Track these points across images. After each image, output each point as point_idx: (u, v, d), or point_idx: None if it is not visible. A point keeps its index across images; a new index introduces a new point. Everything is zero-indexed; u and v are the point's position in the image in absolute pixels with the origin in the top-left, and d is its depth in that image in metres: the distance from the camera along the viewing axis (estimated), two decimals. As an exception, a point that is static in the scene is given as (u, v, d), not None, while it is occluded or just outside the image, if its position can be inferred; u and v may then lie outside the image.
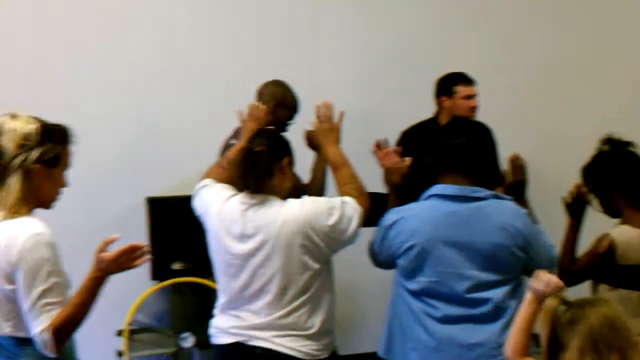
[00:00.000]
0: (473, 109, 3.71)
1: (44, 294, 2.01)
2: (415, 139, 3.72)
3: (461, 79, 3.75)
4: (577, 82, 4.68)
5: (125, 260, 2.06)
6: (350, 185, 2.55)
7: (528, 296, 2.10)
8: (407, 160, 2.75)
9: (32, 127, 2.08)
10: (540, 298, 2.09)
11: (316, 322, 2.45)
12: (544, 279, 2.07)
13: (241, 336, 2.46)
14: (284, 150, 2.55)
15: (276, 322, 2.43)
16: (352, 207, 2.47)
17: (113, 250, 2.06)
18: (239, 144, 2.79)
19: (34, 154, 2.06)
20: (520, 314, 2.11)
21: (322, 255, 2.45)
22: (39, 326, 2.00)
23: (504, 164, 2.77)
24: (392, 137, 3.80)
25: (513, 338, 2.11)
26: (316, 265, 2.43)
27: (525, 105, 4.58)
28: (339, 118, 2.69)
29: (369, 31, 4.32)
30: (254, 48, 4.13)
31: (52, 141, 2.10)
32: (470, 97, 3.72)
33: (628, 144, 2.77)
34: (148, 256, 2.10)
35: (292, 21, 4.21)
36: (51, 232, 2.07)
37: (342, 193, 2.54)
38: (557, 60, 4.63)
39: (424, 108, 3.92)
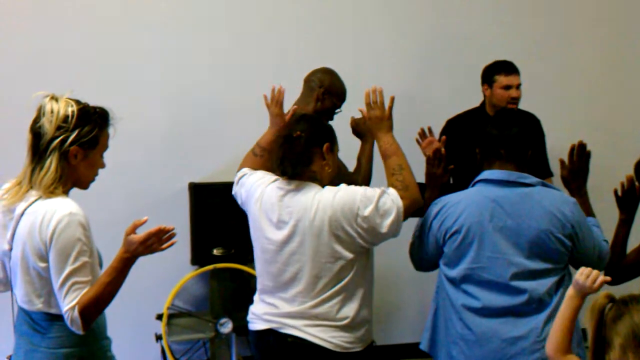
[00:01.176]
0: (513, 99, 3.57)
1: (73, 273, 2.04)
2: (461, 128, 3.64)
3: (502, 68, 3.61)
4: (631, 74, 4.54)
5: (153, 243, 2.06)
6: (396, 177, 2.45)
7: (570, 292, 2.04)
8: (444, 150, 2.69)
9: (71, 109, 2.10)
10: (582, 293, 2.02)
11: (350, 313, 2.39)
12: (587, 274, 2.00)
13: (274, 323, 2.44)
14: (325, 135, 2.48)
15: (308, 311, 2.39)
16: (391, 200, 2.37)
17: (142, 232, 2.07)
18: (268, 130, 2.76)
19: (72, 135, 2.08)
20: (562, 310, 2.05)
21: (356, 245, 2.37)
22: (67, 304, 2.04)
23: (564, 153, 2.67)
24: (437, 125, 3.76)
25: (554, 335, 2.05)
26: (349, 255, 2.37)
27: (577, 98, 4.46)
28: (390, 104, 2.59)
29: (416, 19, 4.26)
30: (298, 36, 4.10)
31: (90, 123, 2.12)
32: (509, 87, 3.58)
33: (684, 137, 2.64)
34: (176, 239, 2.10)
35: (337, 9, 4.15)
36: (84, 212, 2.09)
37: (388, 184, 2.47)
38: (611, 52, 4.50)
39: (471, 96, 3.82)
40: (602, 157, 4.03)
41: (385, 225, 2.35)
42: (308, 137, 2.42)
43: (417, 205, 2.45)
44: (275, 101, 2.81)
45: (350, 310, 2.40)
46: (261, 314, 2.48)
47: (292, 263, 2.39)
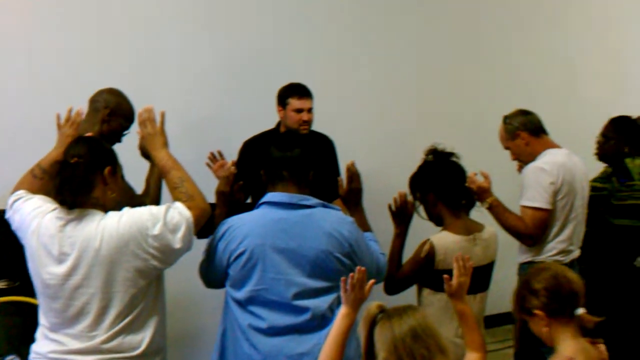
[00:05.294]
0: (304, 122, 3.65)
1: None
2: (256, 149, 3.68)
3: (294, 91, 3.69)
4: (412, 90, 4.80)
5: None
6: (179, 189, 2.41)
7: (343, 310, 2.12)
8: (234, 168, 2.78)
9: None
10: (356, 305, 2.11)
11: (143, 342, 2.33)
12: (352, 284, 2.11)
13: None
14: (106, 158, 2.40)
15: (98, 346, 2.29)
16: (179, 213, 2.33)
17: None
18: (53, 150, 2.63)
19: None
20: (334, 329, 2.13)
21: (150, 268, 2.31)
22: None
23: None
24: (236, 146, 3.80)
25: (324, 353, 2.12)
26: (141, 282, 2.31)
27: (360, 116, 4.64)
28: (161, 119, 2.56)
29: (212, 36, 4.25)
30: (89, 56, 3.94)
31: None
32: (300, 110, 3.66)
33: (451, 154, 2.88)
34: None
35: (130, 24, 4.05)
36: None
37: (173, 198, 2.43)
38: (399, 67, 4.75)
39: (269, 117, 3.88)
40: (385, 174, 4.30)
41: (178, 239, 2.30)
42: (87, 162, 2.32)
43: (206, 213, 2.42)
44: (71, 122, 2.68)
45: (143, 339, 2.34)
46: (46, 352, 2.34)
47: (77, 297, 2.29)
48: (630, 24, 5.56)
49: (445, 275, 2.31)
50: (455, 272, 2.31)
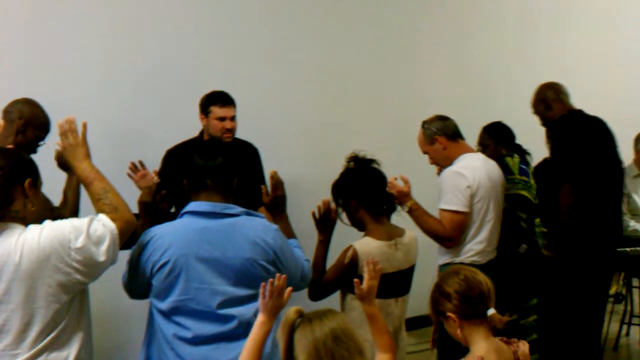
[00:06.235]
0: (227, 130, 3.65)
1: None
2: (179, 158, 3.64)
3: (217, 99, 3.68)
4: (333, 98, 4.87)
5: None
6: (103, 201, 2.36)
7: (260, 318, 2.14)
8: (157, 178, 2.76)
9: None
10: (273, 313, 2.13)
11: (68, 359, 2.27)
12: (270, 291, 2.13)
13: None
14: (25, 170, 2.32)
15: None
16: (102, 225, 2.28)
17: None
18: None
19: None
20: (252, 336, 2.13)
21: (74, 283, 2.25)
22: None
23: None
24: (158, 155, 3.77)
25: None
26: (64, 297, 2.24)
27: (284, 124, 4.68)
28: (83, 130, 2.49)
29: (131, 44, 4.21)
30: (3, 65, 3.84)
31: None
32: (223, 119, 3.66)
33: (371, 161, 2.95)
34: None
35: (50, 32, 3.97)
36: None
37: (97, 210, 2.37)
38: (321, 74, 4.81)
39: (191, 125, 3.87)
40: (308, 182, 4.34)
41: (102, 252, 2.25)
42: (6, 174, 2.24)
43: (131, 225, 2.38)
44: None
45: (68, 356, 2.27)
46: None
47: None
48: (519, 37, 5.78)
49: (355, 280, 2.35)
50: (365, 276, 2.36)
